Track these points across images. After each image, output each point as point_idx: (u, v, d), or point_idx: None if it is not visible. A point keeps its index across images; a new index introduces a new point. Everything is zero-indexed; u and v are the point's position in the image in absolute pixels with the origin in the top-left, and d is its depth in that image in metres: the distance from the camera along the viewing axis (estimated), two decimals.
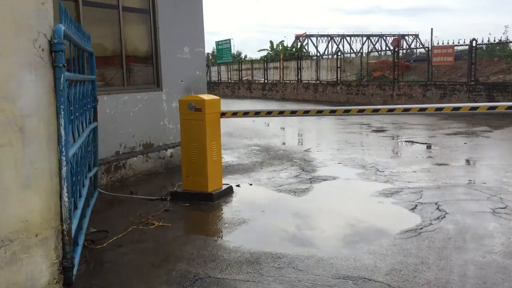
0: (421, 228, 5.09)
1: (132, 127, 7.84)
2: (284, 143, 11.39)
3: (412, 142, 11.42)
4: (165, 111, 8.48)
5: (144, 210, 6.09)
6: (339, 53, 25.98)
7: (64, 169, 3.27)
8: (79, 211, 4.08)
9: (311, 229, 5.24)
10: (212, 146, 6.51)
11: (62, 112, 3.22)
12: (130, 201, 6.58)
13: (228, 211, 6.03)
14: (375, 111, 6.25)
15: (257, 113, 6.67)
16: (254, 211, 5.94)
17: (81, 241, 4.27)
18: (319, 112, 6.19)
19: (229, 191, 6.79)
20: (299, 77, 27.72)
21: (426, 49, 19.37)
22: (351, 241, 4.81)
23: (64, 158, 3.26)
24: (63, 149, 3.25)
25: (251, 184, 7.35)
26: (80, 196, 4.46)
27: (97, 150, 6.18)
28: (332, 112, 6.14)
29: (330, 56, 29.58)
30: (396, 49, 21.00)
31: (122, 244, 4.88)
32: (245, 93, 33.54)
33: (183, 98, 6.62)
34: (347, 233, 5.08)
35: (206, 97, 6.50)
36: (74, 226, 3.61)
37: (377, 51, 31.16)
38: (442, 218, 5.40)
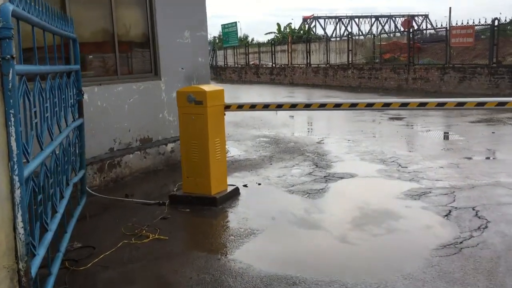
0: (460, 242, 4.31)
1: (128, 120, 7.08)
2: (294, 134, 10.58)
3: (434, 131, 10.57)
4: (164, 102, 7.71)
5: (139, 217, 5.36)
6: (350, 35, 24.89)
7: (17, 192, 2.52)
8: (50, 234, 3.34)
9: (330, 245, 4.47)
10: (215, 143, 5.74)
11: (12, 119, 2.46)
12: (124, 205, 5.85)
13: (233, 218, 5.29)
14: (404, 105, 5.43)
15: (266, 106, 5.86)
16: (264, 218, 5.19)
17: (55, 268, 3.54)
18: (337, 106, 5.39)
19: (235, 193, 6.03)
20: (308, 61, 26.75)
21: (444, 29, 18.32)
22: (380, 259, 4.04)
23: (17, 178, 2.51)
24: (15, 166, 2.49)
25: (259, 184, 6.59)
26: (55, 212, 3.72)
27: (83, 151, 5.43)
28: (353, 105, 5.31)
29: (338, 39, 28.48)
30: (412, 30, 19.90)
31: (109, 265, 4.15)
32: (252, 78, 32.64)
33: (182, 89, 5.83)
34: (375, 248, 4.31)
35: (208, 88, 5.71)
36: (38, 259, 2.87)
37: (387, 33, 29.79)
38: (484, 229, 4.61)
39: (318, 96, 19.98)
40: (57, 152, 3.85)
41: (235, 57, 37.71)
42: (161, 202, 5.83)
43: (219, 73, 36.57)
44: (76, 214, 4.87)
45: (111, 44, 6.95)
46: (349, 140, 9.51)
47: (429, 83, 17.91)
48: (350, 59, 23.55)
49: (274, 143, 9.51)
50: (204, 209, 5.57)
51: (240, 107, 5.93)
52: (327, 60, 25.80)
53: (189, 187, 5.84)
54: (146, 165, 7.40)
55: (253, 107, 5.86)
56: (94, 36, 6.86)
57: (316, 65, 26.44)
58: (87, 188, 6.16)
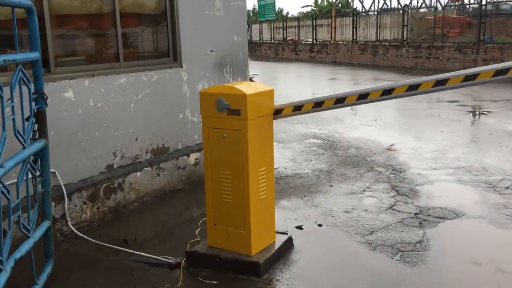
0: None
1: (134, 125, 5.05)
2: (353, 134, 8.30)
3: None
4: (186, 97, 5.63)
5: None
6: (405, 7, 21.96)
7: None
8: None
9: None
10: (260, 175, 3.64)
11: None
12: (117, 263, 3.86)
13: None
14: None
15: (339, 101, 3.59)
16: None
17: None
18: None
19: (287, 247, 3.95)
20: (354, 37, 24.05)
21: None
22: None
23: None
24: None
25: (320, 225, 4.48)
26: None
27: (48, 190, 3.40)
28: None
29: (389, 12, 25.57)
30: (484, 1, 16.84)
31: None
32: (290, 55, 30.13)
33: (208, 90, 3.72)
34: None
35: (249, 88, 3.57)
36: None
37: (452, 5, 26.15)
38: None
39: (366, 79, 17.48)
40: None
41: (272, 31, 35.15)
42: (173, 262, 3.79)
43: (253, 50, 34.14)
44: None
45: (109, 16, 4.87)
46: (429, 145, 7.23)
47: None
48: (405, 35, 20.75)
49: (329, 148, 7.32)
50: (240, 280, 3.52)
51: (297, 108, 3.74)
52: (378, 37, 23.04)
53: (216, 240, 3.78)
54: (160, 185, 5.38)
55: (318, 105, 3.64)
56: (83, 4, 4.78)
57: (364, 42, 23.74)
58: (73, 228, 4.24)
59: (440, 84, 3.13)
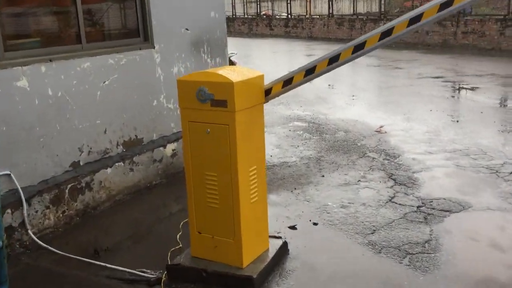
0: None
1: (102, 115, 4.45)
2: (339, 115, 7.82)
3: None
4: (160, 81, 5.03)
5: None
6: None
7: None
8: None
9: None
10: (251, 176, 3.14)
11: None
12: (86, 281, 3.32)
13: None
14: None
15: (333, 61, 3.02)
16: None
17: None
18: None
19: (281, 254, 3.49)
20: (331, 11, 23.41)
21: None
22: None
23: None
24: None
25: (315, 224, 4.03)
26: None
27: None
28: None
29: None
30: None
31: None
32: (265, 31, 29.32)
33: (186, 77, 3.15)
34: None
35: (235, 73, 3.03)
36: None
37: None
38: None
39: None
40: None
41: (245, 6, 34.16)
42: (152, 277, 3.28)
43: (227, 26, 33.22)
44: None
45: None
46: (420, 127, 6.83)
47: (485, 39, 14.86)
48: (382, 8, 20.23)
49: (315, 132, 6.85)
50: None
51: (288, 82, 3.13)
52: (354, 10, 22.44)
53: (201, 250, 3.28)
54: (134, 181, 4.82)
55: (310, 72, 3.06)
56: None
57: (340, 16, 23.14)
58: (34, 237, 3.72)
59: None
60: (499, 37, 14.63)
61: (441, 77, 10.90)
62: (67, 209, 4.18)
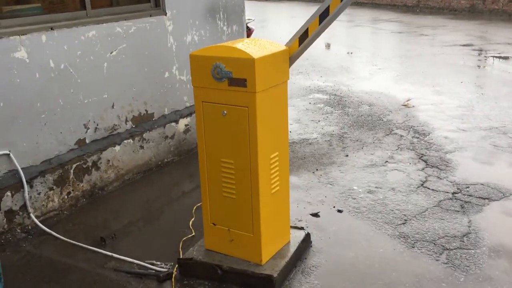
0: None
1: (109, 88, 4.10)
2: (362, 87, 7.35)
3: None
4: (172, 51, 4.63)
5: None
6: None
7: None
8: None
9: None
10: (272, 164, 2.79)
11: None
12: (90, 276, 3.05)
13: None
14: None
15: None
16: None
17: None
18: None
19: (304, 247, 3.16)
20: None
21: None
22: None
23: None
24: None
25: (340, 211, 3.69)
26: None
27: None
28: None
29: None
30: None
31: None
32: None
33: (200, 52, 2.75)
34: None
35: (256, 48, 2.63)
36: None
37: None
38: None
39: (365, 20, 16.23)
40: None
41: None
42: (163, 272, 2.99)
43: None
44: None
45: None
46: (451, 101, 6.36)
47: None
48: None
49: (337, 105, 6.43)
50: None
51: (304, 37, 2.66)
52: None
53: (216, 243, 2.97)
54: (144, 159, 4.51)
55: (325, 15, 2.59)
56: None
57: None
58: (37, 221, 3.46)
59: None
60: None
61: (471, 45, 10.28)
62: (72, 190, 3.90)
